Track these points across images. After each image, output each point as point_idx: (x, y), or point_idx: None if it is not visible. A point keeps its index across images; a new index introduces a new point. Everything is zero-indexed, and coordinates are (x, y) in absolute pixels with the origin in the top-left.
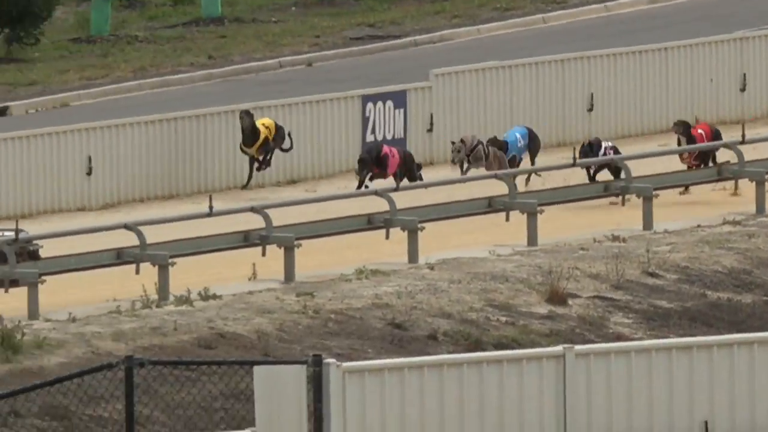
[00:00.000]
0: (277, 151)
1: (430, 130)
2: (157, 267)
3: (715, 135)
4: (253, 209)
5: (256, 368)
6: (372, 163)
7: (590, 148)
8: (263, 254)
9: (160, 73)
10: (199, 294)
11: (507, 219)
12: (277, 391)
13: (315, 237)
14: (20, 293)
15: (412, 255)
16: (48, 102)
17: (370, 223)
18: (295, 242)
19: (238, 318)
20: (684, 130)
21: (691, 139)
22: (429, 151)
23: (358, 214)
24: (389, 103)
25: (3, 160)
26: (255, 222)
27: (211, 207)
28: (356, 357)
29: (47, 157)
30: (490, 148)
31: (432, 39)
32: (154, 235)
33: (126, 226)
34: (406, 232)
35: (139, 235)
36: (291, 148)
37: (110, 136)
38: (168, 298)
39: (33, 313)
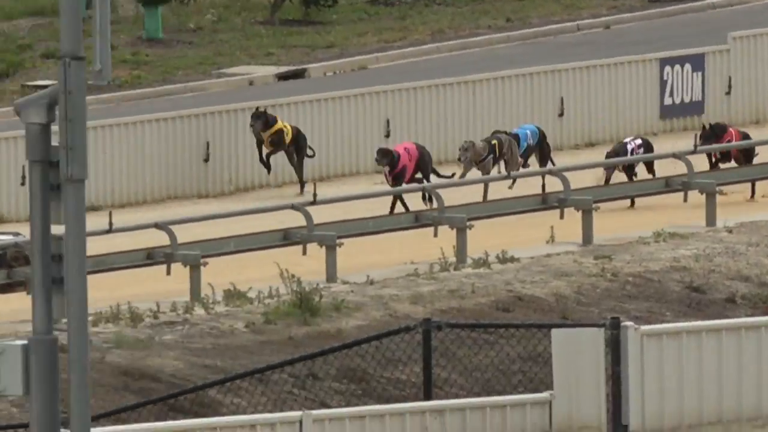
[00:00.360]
0: None
1: (728, 93)
2: (455, 230)
3: (744, 136)
4: (551, 172)
5: (554, 331)
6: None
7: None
8: (561, 217)
9: (458, 36)
10: (497, 257)
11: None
12: (575, 354)
13: (611, 200)
14: (319, 255)
15: (710, 218)
16: (346, 65)
17: (667, 186)
18: (594, 205)
19: (535, 281)
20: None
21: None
22: (727, 114)
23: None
24: (687, 67)
25: (301, 123)
26: (554, 185)
27: (509, 172)
28: (654, 320)
29: (345, 120)
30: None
31: (730, 2)
32: (450, 199)
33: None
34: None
35: (438, 198)
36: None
37: (408, 98)
38: (466, 261)
39: (331, 275)
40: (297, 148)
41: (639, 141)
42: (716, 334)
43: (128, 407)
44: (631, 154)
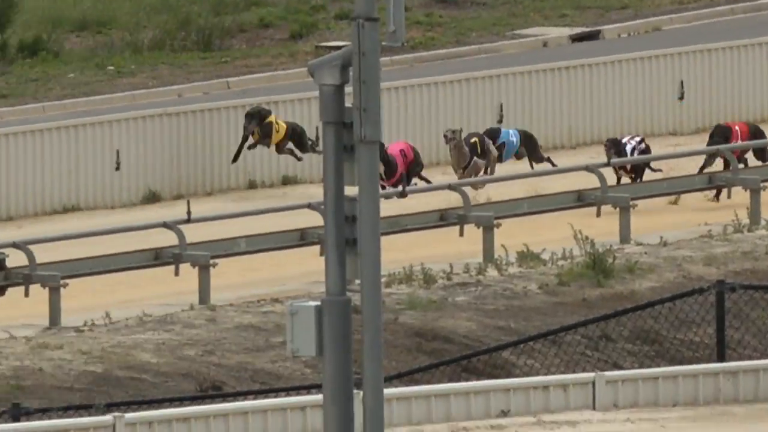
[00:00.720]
0: None
1: None
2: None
3: (754, 133)
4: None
5: None
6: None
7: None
8: None
9: None
10: None
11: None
12: None
13: None
14: (611, 217)
15: None
16: (640, 26)
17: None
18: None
19: None
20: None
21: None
22: None
23: None
24: None
25: (594, 85)
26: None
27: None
28: None
29: (638, 82)
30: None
31: None
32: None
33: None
34: None
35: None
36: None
37: (702, 60)
38: (759, 222)
39: (625, 237)
40: (299, 144)
41: (638, 138)
42: None
43: (421, 368)
44: (632, 153)
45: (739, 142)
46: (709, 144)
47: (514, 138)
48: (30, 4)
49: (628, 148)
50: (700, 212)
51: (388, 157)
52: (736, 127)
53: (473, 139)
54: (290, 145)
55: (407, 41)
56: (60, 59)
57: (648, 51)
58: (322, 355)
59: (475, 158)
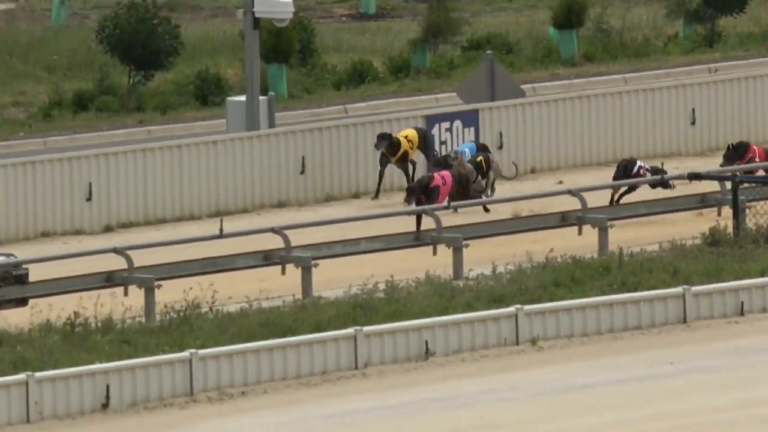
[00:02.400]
0: None
1: None
2: None
3: None
4: None
5: None
6: (420, 192)
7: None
8: None
9: None
10: None
11: None
12: None
13: None
14: None
15: None
16: None
17: None
18: None
19: None
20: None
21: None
22: None
23: None
24: None
25: None
26: None
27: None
28: None
29: None
30: (491, 156)
31: None
32: None
33: None
34: None
35: None
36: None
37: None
38: None
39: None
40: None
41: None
42: None
43: None
44: (637, 173)
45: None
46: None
47: (468, 154)
48: None
49: (635, 168)
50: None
51: (431, 189)
52: (754, 147)
53: (479, 158)
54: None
55: None
56: None
57: None
58: None
59: (478, 178)
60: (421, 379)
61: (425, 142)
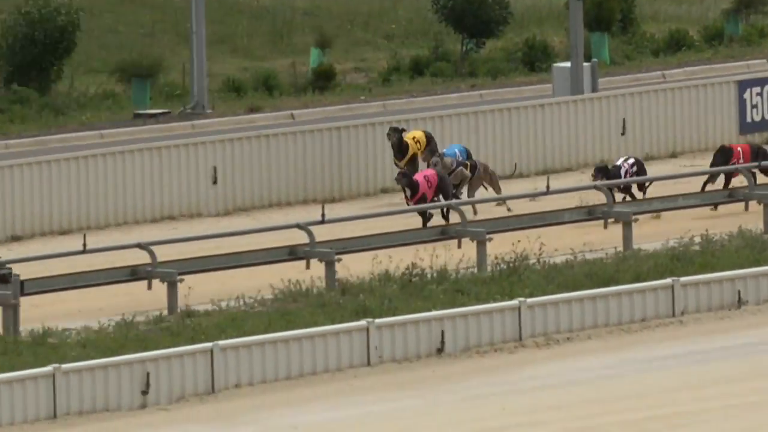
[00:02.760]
0: None
1: None
2: None
3: (756, 152)
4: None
5: None
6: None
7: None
8: None
9: None
10: None
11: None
12: None
13: None
14: None
15: None
16: None
17: None
18: None
19: None
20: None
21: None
22: None
23: None
24: None
25: None
26: None
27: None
28: None
29: None
30: (479, 163)
31: None
32: None
33: None
34: None
35: None
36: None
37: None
38: None
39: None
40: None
41: (632, 161)
42: None
43: None
44: (625, 175)
45: (741, 161)
46: (712, 164)
47: (460, 157)
48: None
49: (622, 171)
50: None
51: (414, 181)
52: (739, 148)
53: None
54: None
55: None
56: None
57: None
58: None
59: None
60: (734, 325)
61: (429, 145)
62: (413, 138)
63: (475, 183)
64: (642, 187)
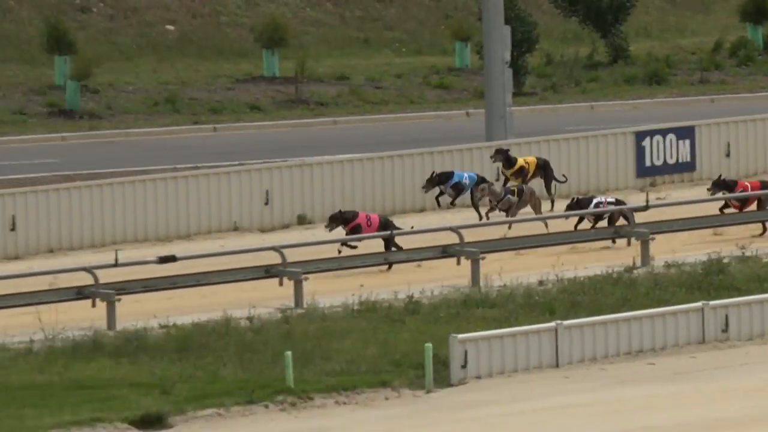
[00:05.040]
0: None
1: None
2: None
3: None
4: None
5: None
6: (340, 221)
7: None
8: None
9: None
10: None
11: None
12: None
13: None
14: None
15: None
16: None
17: None
18: None
19: None
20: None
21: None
22: None
23: None
24: None
25: None
26: None
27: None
28: None
29: None
30: (525, 187)
31: None
32: None
33: None
34: None
35: None
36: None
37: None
38: None
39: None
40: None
41: (611, 199)
42: None
43: None
44: (596, 207)
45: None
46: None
47: (467, 180)
48: None
49: (594, 201)
50: None
51: (355, 226)
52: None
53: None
54: None
55: None
56: None
57: None
58: None
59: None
60: None
61: (545, 171)
62: (525, 160)
63: (520, 206)
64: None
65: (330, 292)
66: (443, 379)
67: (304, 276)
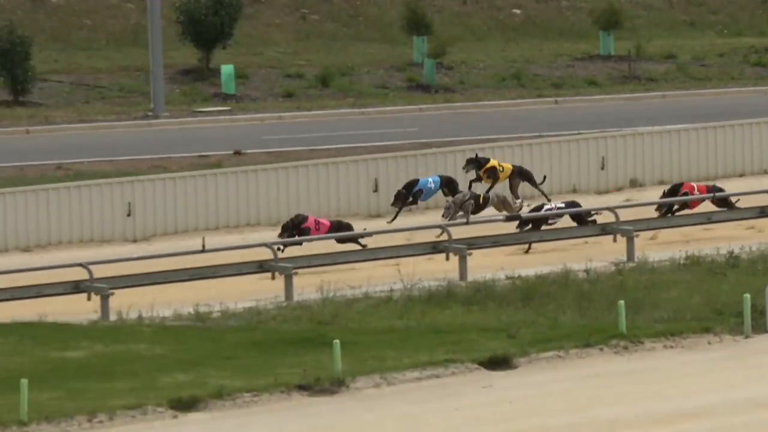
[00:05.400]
0: None
1: None
2: None
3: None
4: None
5: None
6: (292, 228)
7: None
8: None
9: None
10: None
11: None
12: None
13: None
14: None
15: None
16: None
17: None
18: None
19: None
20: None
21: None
22: None
23: None
24: None
25: None
26: None
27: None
28: None
29: None
30: (492, 193)
31: None
32: None
33: None
34: None
35: None
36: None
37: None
38: None
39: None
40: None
41: (561, 204)
42: None
43: None
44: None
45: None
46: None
47: (432, 185)
48: None
49: (545, 208)
50: None
51: (303, 229)
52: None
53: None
54: None
55: None
56: None
57: None
58: None
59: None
60: None
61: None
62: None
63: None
64: None
65: (658, 248)
66: (760, 326)
67: (635, 233)
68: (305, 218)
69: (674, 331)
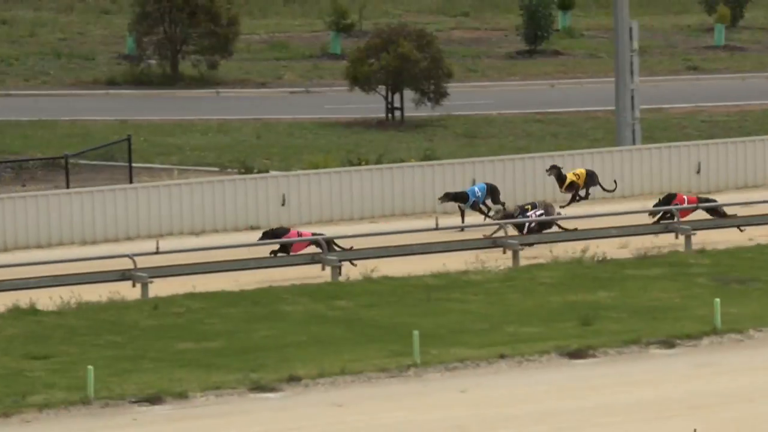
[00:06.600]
0: None
1: None
2: None
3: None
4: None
5: None
6: (272, 238)
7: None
8: None
9: None
10: None
11: None
12: None
13: None
14: None
15: None
16: None
17: None
18: None
19: None
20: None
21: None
22: None
23: None
24: None
25: None
26: None
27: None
28: None
29: None
30: (538, 203)
31: None
32: None
33: None
34: None
35: None
36: (614, 189)
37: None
38: None
39: None
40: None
41: (540, 211)
42: None
43: None
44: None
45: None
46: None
47: (479, 192)
48: None
49: (528, 214)
50: None
51: (286, 235)
52: (684, 196)
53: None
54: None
55: None
56: None
57: None
58: None
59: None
60: None
61: (591, 180)
62: (575, 173)
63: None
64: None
65: None
66: None
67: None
68: (287, 230)
69: None
